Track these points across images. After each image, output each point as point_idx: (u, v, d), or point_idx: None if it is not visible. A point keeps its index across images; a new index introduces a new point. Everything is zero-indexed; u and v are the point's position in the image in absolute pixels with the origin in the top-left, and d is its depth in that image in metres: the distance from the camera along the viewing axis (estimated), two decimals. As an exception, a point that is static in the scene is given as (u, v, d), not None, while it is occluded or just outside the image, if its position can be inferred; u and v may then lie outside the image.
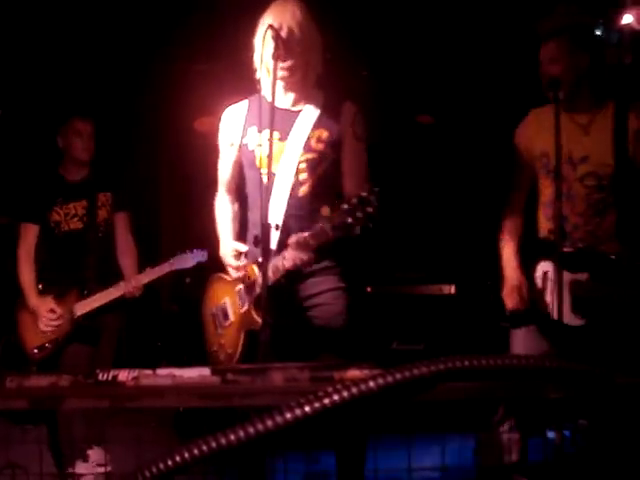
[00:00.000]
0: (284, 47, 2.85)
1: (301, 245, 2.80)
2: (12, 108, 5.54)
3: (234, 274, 3.08)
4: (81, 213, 4.25)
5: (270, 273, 2.81)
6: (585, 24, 3.25)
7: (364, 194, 2.66)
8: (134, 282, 4.14)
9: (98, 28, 5.43)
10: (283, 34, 2.88)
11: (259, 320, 2.88)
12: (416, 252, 6.08)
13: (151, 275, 4.19)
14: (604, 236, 3.17)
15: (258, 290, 2.88)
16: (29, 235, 4.31)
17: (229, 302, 3.10)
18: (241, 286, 3.03)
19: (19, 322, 4.22)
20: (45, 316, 4.13)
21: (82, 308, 4.15)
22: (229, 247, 3.10)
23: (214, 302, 3.18)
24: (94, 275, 4.20)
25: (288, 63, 2.91)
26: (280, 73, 2.89)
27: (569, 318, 3.02)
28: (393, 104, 6.32)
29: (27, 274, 4.26)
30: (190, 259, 4.20)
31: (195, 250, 4.20)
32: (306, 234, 2.80)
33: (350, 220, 2.66)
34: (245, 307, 2.99)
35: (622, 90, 3.24)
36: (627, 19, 5.10)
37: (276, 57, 2.83)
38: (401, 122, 6.51)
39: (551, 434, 3.50)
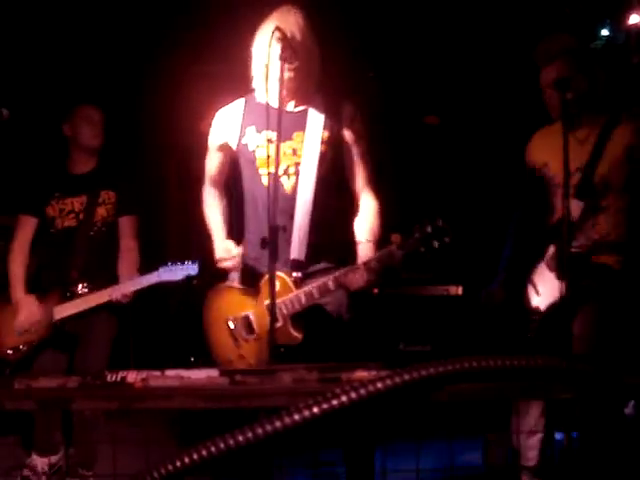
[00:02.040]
0: (290, 49, 2.85)
1: (368, 268, 2.84)
2: (17, 102, 5.47)
3: (231, 277, 3.07)
4: (78, 209, 3.95)
5: (316, 293, 2.87)
6: (580, 48, 3.44)
7: (440, 223, 2.73)
8: (121, 290, 3.78)
9: (103, 27, 5.44)
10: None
11: (298, 336, 2.90)
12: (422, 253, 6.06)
13: (137, 285, 3.80)
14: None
15: (297, 307, 2.89)
16: (26, 228, 4.01)
17: (254, 315, 3.04)
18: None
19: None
20: (24, 315, 3.83)
21: (61, 312, 3.82)
22: (223, 248, 3.09)
23: (229, 312, 3.11)
24: (79, 277, 3.87)
25: (295, 65, 2.91)
26: (286, 75, 2.89)
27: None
28: (400, 105, 6.32)
29: (17, 267, 3.96)
30: (179, 272, 3.76)
31: (186, 262, 3.77)
32: (373, 257, 2.86)
33: (423, 249, 2.75)
34: (280, 323, 2.92)
35: (614, 108, 3.38)
36: (634, 19, 5.09)
37: (284, 58, 2.83)
38: (408, 123, 6.51)
39: (559, 435, 3.50)
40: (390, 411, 1.64)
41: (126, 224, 4.00)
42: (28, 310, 3.82)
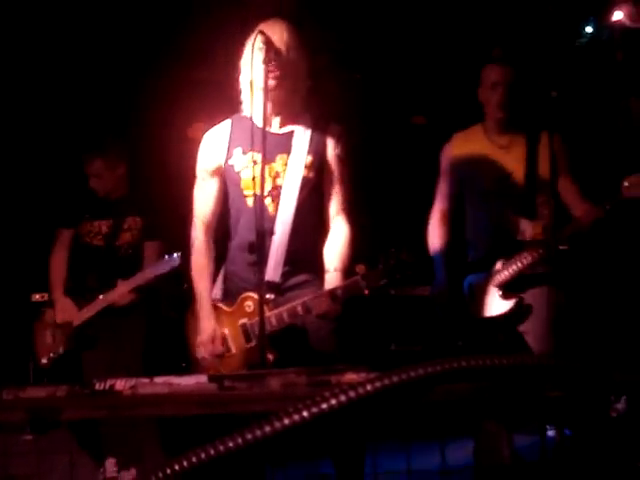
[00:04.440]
0: (274, 55, 2.84)
1: (333, 296, 2.86)
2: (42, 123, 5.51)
3: (214, 292, 3.05)
4: (104, 232, 4.28)
5: (286, 316, 2.88)
6: (531, 58, 3.63)
7: (403, 257, 2.80)
8: (116, 292, 4.14)
9: (95, 36, 5.44)
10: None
11: (269, 357, 2.88)
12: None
13: (130, 284, 4.13)
14: None
15: (268, 328, 2.86)
16: (64, 238, 4.36)
17: (229, 334, 3.02)
18: (246, 320, 3.00)
19: (35, 336, 4.29)
20: (60, 313, 4.21)
21: (80, 317, 4.18)
22: (209, 333, 3.01)
23: None
24: (99, 290, 4.20)
25: (278, 73, 2.89)
26: (270, 82, 2.87)
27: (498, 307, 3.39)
28: (387, 105, 6.32)
29: (58, 271, 4.31)
30: (163, 265, 4.07)
31: (166, 256, 4.07)
32: (338, 287, 2.88)
33: (385, 281, 2.82)
34: (253, 343, 2.94)
35: (533, 118, 3.49)
36: (618, 15, 5.11)
37: (266, 62, 2.82)
38: (395, 123, 6.51)
39: (551, 432, 3.51)
40: (380, 413, 1.64)
41: (150, 248, 4.27)
42: (63, 308, 4.20)
